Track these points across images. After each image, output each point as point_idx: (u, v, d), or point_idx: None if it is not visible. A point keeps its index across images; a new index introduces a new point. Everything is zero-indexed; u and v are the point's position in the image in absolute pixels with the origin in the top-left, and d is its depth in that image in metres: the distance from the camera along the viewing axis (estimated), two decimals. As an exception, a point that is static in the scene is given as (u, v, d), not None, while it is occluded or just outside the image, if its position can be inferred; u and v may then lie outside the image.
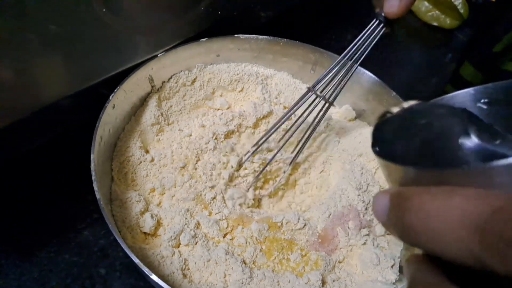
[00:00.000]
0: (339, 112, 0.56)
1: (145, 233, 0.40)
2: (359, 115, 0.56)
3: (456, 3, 0.81)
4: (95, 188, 0.36)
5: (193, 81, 0.52)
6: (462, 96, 0.22)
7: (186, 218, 0.41)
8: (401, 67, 0.72)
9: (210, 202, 0.43)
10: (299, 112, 0.47)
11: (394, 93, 0.51)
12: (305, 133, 0.48)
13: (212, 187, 0.44)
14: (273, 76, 0.57)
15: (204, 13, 0.54)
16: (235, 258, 0.39)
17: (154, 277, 0.32)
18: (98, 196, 0.35)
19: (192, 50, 0.51)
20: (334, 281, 0.40)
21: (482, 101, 0.22)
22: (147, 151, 0.46)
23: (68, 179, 0.47)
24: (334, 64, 0.44)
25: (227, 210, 0.43)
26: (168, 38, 0.49)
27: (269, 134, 0.47)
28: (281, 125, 0.47)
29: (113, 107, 0.43)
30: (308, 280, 0.38)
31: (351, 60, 0.44)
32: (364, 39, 0.43)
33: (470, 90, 0.22)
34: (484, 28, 0.66)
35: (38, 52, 0.44)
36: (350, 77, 0.45)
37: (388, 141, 0.21)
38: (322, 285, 0.39)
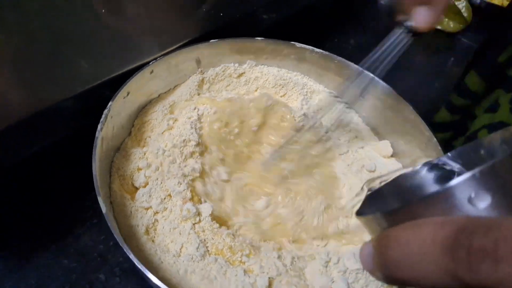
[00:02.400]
0: (377, 145, 0.53)
1: (134, 186, 0.42)
2: (395, 154, 0.53)
3: (459, 6, 0.79)
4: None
5: (240, 75, 0.54)
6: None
7: (175, 185, 0.41)
8: (404, 71, 0.71)
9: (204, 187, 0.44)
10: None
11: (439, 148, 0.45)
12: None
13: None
14: (320, 91, 0.56)
15: (206, 15, 0.54)
16: (197, 236, 0.39)
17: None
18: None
19: (246, 45, 0.53)
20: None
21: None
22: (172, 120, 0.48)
23: (67, 184, 0.47)
24: (356, 74, 0.44)
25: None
26: (170, 40, 0.49)
27: (291, 141, 0.47)
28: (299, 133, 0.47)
29: (151, 72, 0.46)
30: (254, 281, 0.37)
31: (372, 72, 0.42)
32: (388, 49, 0.41)
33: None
34: (491, 35, 0.66)
35: (39, 53, 0.44)
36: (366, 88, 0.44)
37: (368, 205, 0.26)
38: (269, 286, 0.37)
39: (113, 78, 0.44)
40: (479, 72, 0.59)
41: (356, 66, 0.51)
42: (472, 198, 0.18)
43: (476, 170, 0.18)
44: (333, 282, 0.38)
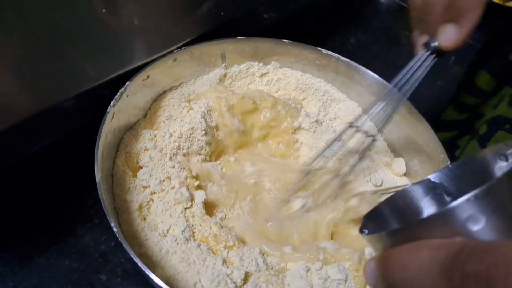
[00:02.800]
0: (390, 163, 0.52)
1: (139, 165, 0.44)
2: (408, 174, 0.51)
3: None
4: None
5: (263, 74, 0.55)
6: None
7: (174, 167, 0.43)
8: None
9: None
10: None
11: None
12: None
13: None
14: (340, 101, 0.56)
15: (206, 14, 0.54)
16: (186, 220, 0.39)
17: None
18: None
19: (271, 46, 0.53)
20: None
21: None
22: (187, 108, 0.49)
23: (69, 184, 0.47)
24: (382, 96, 0.42)
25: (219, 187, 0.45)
26: (170, 40, 0.49)
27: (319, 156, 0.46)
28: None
29: (174, 60, 0.48)
30: (231, 272, 0.37)
31: (399, 90, 0.40)
32: (411, 70, 0.39)
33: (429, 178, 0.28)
34: (497, 34, 0.65)
35: (40, 53, 0.44)
36: (396, 108, 0.42)
37: (369, 222, 0.27)
38: (245, 282, 0.37)
39: (113, 79, 0.44)
40: (490, 71, 0.58)
41: (382, 80, 0.50)
42: (467, 220, 0.18)
43: (471, 194, 0.18)
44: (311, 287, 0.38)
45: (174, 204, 0.40)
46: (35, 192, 0.46)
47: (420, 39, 0.40)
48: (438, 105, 0.67)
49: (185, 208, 0.40)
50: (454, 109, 0.64)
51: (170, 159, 0.43)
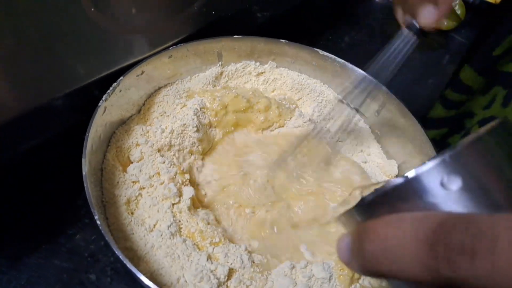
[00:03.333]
0: (383, 163, 0.52)
1: (129, 160, 0.44)
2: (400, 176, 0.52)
3: (453, 4, 0.80)
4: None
5: (260, 74, 0.55)
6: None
7: (164, 163, 0.42)
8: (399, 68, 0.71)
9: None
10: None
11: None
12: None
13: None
14: (335, 102, 0.55)
15: (198, 13, 0.54)
16: (173, 215, 0.39)
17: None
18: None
19: (268, 46, 0.53)
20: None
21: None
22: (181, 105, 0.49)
23: (59, 183, 0.46)
24: (360, 79, 0.44)
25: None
26: (160, 39, 0.49)
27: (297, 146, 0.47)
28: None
29: (170, 57, 0.48)
30: (215, 268, 0.37)
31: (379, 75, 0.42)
32: (395, 52, 0.40)
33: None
34: (484, 30, 0.66)
35: (27, 52, 0.43)
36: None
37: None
38: (228, 278, 0.37)
39: (103, 78, 0.44)
40: (474, 67, 0.58)
41: (377, 82, 0.49)
42: (444, 182, 0.18)
43: (445, 155, 0.18)
44: (295, 285, 0.38)
45: (162, 200, 0.40)
46: (24, 192, 0.46)
47: (405, 20, 0.41)
48: (431, 103, 0.68)
49: (173, 204, 0.40)
50: (442, 106, 0.64)
51: (161, 155, 0.43)
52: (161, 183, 0.41)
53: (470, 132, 0.56)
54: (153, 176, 0.42)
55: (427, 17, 0.37)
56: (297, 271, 0.39)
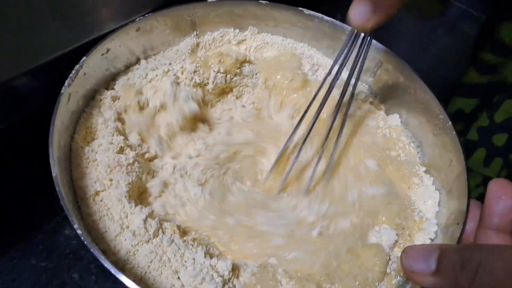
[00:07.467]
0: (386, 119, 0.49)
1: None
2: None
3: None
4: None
5: (240, 41, 0.50)
6: None
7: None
8: (397, 38, 0.67)
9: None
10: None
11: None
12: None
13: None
14: (327, 66, 0.51)
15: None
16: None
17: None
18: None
19: (248, 9, 0.48)
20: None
21: None
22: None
23: (30, 173, 0.42)
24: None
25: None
26: (130, 10, 0.45)
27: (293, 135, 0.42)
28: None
29: (137, 30, 0.43)
30: (214, 267, 0.33)
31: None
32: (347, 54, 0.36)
33: None
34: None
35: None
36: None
37: None
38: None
39: (69, 52, 0.40)
40: None
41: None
42: None
43: None
44: None
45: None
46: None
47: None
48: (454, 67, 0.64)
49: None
50: (475, 69, 0.58)
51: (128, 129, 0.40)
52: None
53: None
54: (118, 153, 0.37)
55: (355, 14, 0.30)
56: None
